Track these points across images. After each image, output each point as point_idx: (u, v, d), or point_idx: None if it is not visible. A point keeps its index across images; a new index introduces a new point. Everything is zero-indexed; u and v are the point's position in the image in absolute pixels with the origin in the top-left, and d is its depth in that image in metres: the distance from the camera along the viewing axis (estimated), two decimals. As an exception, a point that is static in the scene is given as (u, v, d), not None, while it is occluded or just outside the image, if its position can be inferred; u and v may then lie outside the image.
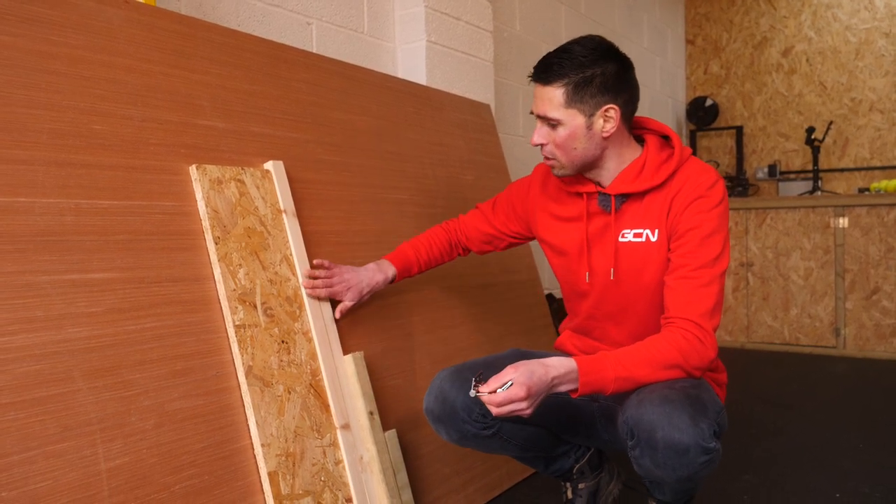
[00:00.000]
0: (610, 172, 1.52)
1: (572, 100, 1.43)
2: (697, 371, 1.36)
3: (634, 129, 1.56)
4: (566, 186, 1.59)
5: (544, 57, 1.47)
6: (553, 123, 1.45)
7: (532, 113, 1.50)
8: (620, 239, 1.51)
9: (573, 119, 1.44)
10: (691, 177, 1.45)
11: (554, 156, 1.48)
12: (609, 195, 1.51)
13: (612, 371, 1.31)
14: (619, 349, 1.36)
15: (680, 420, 1.26)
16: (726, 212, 1.45)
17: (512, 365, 1.28)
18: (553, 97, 1.43)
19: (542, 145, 1.49)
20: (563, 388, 1.31)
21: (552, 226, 1.63)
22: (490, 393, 1.26)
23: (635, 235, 1.49)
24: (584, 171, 1.52)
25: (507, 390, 1.25)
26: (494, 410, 1.26)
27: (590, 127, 1.45)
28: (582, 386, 1.30)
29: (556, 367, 1.29)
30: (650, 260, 1.47)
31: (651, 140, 1.52)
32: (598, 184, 1.55)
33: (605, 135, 1.46)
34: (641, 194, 1.49)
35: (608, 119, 1.45)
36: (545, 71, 1.44)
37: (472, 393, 1.29)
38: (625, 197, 1.50)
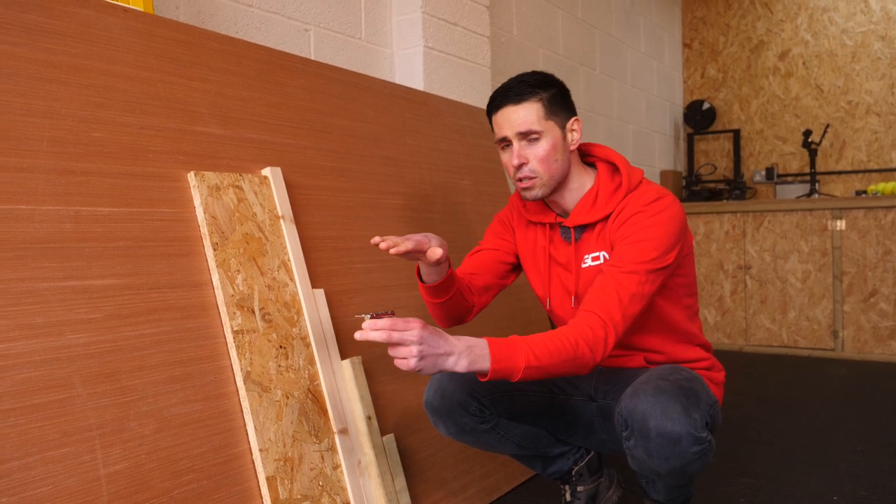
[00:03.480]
0: (573, 194, 1.56)
1: (550, 112, 1.49)
2: (599, 363, 1.34)
3: (585, 156, 1.61)
4: (530, 216, 1.62)
5: (503, 87, 1.52)
6: (535, 137, 1.48)
7: (503, 139, 1.51)
8: (583, 265, 1.55)
9: (553, 130, 1.50)
10: (635, 197, 1.49)
11: (536, 173, 1.49)
12: (569, 227, 1.56)
13: (523, 360, 1.26)
14: (533, 337, 1.31)
15: (672, 410, 1.28)
16: (669, 222, 1.45)
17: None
18: (532, 111, 1.48)
19: (522, 165, 1.49)
20: (461, 369, 1.23)
21: (527, 256, 1.67)
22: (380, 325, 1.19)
23: (593, 259, 1.54)
24: (556, 191, 1.54)
25: (404, 328, 1.18)
26: (380, 335, 1.18)
27: (564, 139, 1.52)
28: (492, 373, 1.25)
29: (457, 349, 1.22)
30: None
31: (602, 168, 1.57)
32: (561, 213, 1.59)
33: (572, 147, 1.54)
34: (595, 223, 1.53)
35: (574, 131, 1.54)
36: (517, 93, 1.49)
37: (366, 318, 1.21)
38: (583, 227, 1.55)
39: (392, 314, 1.23)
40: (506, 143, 1.52)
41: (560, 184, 1.54)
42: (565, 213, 1.59)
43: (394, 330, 1.18)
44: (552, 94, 1.50)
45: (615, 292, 1.38)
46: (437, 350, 1.20)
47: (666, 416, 1.28)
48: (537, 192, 1.52)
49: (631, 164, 1.57)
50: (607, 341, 1.34)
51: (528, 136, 1.48)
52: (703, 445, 1.31)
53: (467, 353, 1.23)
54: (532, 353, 1.28)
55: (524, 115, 1.47)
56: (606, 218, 1.51)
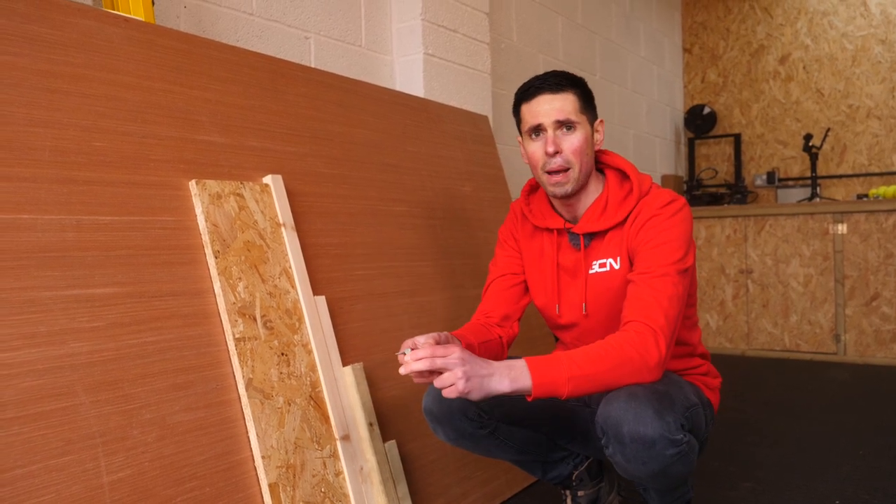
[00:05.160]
0: (589, 197, 1.56)
1: (584, 106, 1.51)
2: (656, 368, 1.32)
3: (595, 161, 1.61)
4: (537, 222, 1.62)
5: (536, 78, 1.51)
6: (571, 127, 1.48)
7: (536, 127, 1.49)
8: (590, 272, 1.55)
9: (585, 125, 1.51)
10: (649, 202, 1.48)
11: (570, 164, 1.48)
12: (578, 234, 1.56)
13: (566, 371, 1.26)
14: (573, 349, 1.31)
15: (644, 414, 1.27)
16: (684, 223, 1.45)
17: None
18: (569, 101, 1.48)
19: (557, 153, 1.47)
20: (505, 390, 1.23)
21: (530, 264, 1.67)
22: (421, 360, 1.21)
23: (600, 266, 1.53)
24: (579, 190, 1.54)
25: (445, 353, 1.21)
26: (423, 364, 1.20)
27: (592, 136, 1.53)
28: (536, 388, 1.25)
29: (498, 369, 1.23)
30: (616, 287, 1.51)
31: (611, 176, 1.57)
32: (570, 219, 1.59)
33: (597, 147, 1.55)
34: (605, 231, 1.53)
35: (598, 132, 1.55)
36: (556, 83, 1.48)
37: (406, 353, 1.23)
38: (592, 234, 1.55)
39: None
40: (537, 132, 1.50)
41: (585, 181, 1.53)
42: (574, 219, 1.59)
43: (435, 357, 1.20)
44: (584, 90, 1.52)
45: (652, 298, 1.36)
46: (480, 371, 1.22)
47: (638, 421, 1.27)
48: (568, 188, 1.50)
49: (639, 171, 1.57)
50: (658, 343, 1.31)
51: (564, 124, 1.47)
52: (679, 447, 1.30)
53: (507, 372, 1.24)
54: (573, 363, 1.27)
55: (562, 104, 1.47)
56: (617, 225, 1.51)
